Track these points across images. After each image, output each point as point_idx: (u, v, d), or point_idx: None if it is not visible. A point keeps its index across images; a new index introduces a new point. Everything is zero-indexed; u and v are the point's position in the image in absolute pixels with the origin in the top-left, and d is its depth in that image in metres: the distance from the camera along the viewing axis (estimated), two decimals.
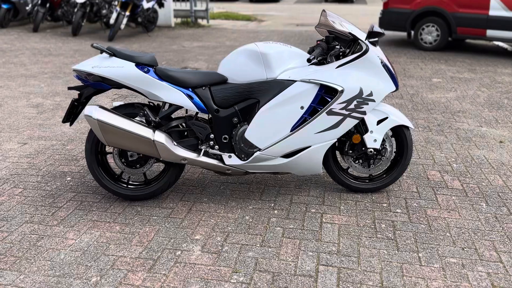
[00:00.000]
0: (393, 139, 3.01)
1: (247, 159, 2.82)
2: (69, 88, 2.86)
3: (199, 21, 12.91)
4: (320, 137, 2.78)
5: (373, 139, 2.90)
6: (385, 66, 2.81)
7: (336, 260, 2.37)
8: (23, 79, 6.43)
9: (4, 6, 11.22)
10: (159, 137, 2.69)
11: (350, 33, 2.75)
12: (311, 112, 2.77)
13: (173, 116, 3.42)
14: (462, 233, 2.61)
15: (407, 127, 2.99)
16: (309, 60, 2.61)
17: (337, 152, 3.28)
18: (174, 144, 2.75)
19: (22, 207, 2.91)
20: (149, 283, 2.19)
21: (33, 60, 7.78)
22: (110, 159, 3.51)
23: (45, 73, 6.78)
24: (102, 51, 2.77)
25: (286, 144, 2.77)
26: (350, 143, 2.96)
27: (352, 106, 2.74)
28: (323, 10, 2.95)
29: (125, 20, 9.91)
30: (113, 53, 2.77)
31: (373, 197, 3.03)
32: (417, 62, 7.70)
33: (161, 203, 2.95)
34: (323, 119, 2.74)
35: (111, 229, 2.66)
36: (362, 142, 2.94)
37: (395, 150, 3.09)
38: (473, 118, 4.75)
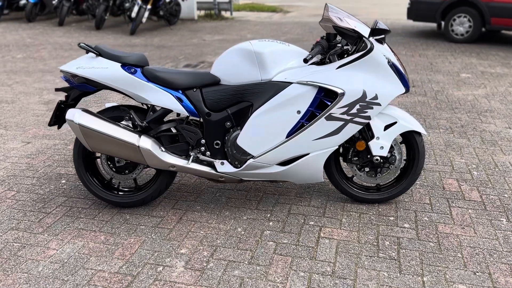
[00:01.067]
0: (403, 146, 2.74)
1: (240, 166, 2.62)
2: (56, 90, 2.73)
3: (223, 13, 12.72)
4: (319, 144, 2.54)
5: (379, 146, 2.64)
6: (393, 66, 2.54)
7: (329, 283, 2.14)
8: (39, 74, 6.43)
9: (31, 1, 11.35)
10: (145, 142, 2.52)
11: (353, 29, 2.49)
12: (309, 117, 2.53)
13: (166, 119, 3.24)
14: (475, 254, 2.34)
15: (418, 133, 2.71)
16: (305, 60, 2.37)
17: (341, 159, 3.04)
18: (162, 150, 2.58)
19: (11, 212, 2.82)
20: None
21: (53, 55, 7.80)
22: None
23: None
24: (87, 51, 2.62)
25: (281, 151, 2.55)
26: (354, 150, 2.72)
27: (354, 110, 2.49)
28: (326, 4, 2.69)
29: (146, 14, 9.84)
30: (99, 53, 2.62)
31: (380, 209, 2.77)
32: (446, 56, 7.25)
33: (151, 211, 2.80)
34: (322, 125, 2.50)
35: (96, 239, 2.53)
36: (368, 149, 2.69)
37: (405, 158, 2.82)
38: (502, 118, 4.38)
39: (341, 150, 2.78)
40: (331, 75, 2.47)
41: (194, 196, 2.98)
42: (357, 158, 2.73)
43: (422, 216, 2.69)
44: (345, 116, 2.50)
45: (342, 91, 2.45)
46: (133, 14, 9.82)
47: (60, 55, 7.76)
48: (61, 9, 11.10)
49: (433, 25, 10.41)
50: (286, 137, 2.54)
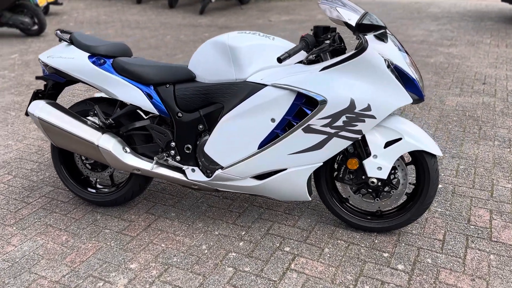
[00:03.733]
0: (413, 166, 2.23)
1: (210, 176, 2.31)
2: (37, 78, 2.61)
3: None
4: (297, 159, 2.13)
5: (376, 166, 2.15)
6: (395, 70, 2.02)
7: None
8: None
9: None
10: (105, 141, 2.30)
11: (346, 22, 2.01)
12: (285, 127, 2.12)
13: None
14: None
15: (432, 155, 2.17)
16: (279, 60, 1.95)
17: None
18: (126, 151, 2.35)
19: None
20: None
21: (118, 33, 7.96)
22: None
23: None
24: (60, 39, 2.44)
25: (253, 164, 2.18)
26: (347, 168, 2.26)
27: (339, 123, 2.03)
28: None
29: None
30: (71, 42, 2.43)
31: (376, 241, 2.30)
32: None
33: (123, 213, 2.60)
34: (299, 138, 2.08)
35: (57, 238, 2.40)
36: (363, 168, 2.22)
37: (413, 181, 2.30)
38: None
39: (336, 165, 2.34)
40: (312, 79, 2.02)
41: (175, 200, 2.73)
42: (351, 178, 2.27)
43: (425, 257, 2.17)
44: (327, 129, 2.05)
45: (322, 98, 2.00)
46: None
47: (124, 34, 7.89)
48: None
49: None
50: (258, 148, 2.16)
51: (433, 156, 2.18)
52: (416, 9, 9.73)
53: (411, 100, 2.04)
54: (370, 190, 2.27)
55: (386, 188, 2.25)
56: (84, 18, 9.44)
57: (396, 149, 2.13)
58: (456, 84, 4.73)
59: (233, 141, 2.17)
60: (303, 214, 2.54)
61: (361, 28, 1.93)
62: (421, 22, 8.30)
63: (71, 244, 2.36)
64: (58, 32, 2.45)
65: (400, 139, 2.13)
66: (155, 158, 2.33)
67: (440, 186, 2.79)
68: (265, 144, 2.14)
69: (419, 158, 2.19)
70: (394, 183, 2.24)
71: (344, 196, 2.35)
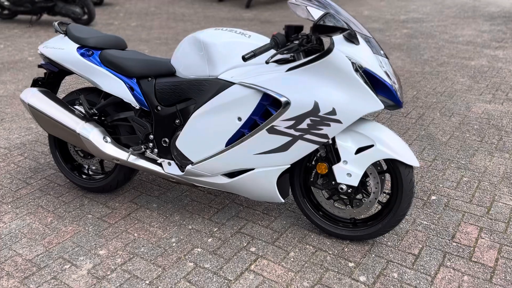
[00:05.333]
0: (388, 175, 2.12)
1: (183, 171, 2.33)
2: (39, 66, 2.75)
3: None
4: (262, 159, 2.09)
5: (346, 173, 2.07)
6: (366, 74, 1.92)
7: None
8: (135, 43, 6.79)
9: None
10: (86, 130, 2.39)
11: (314, 22, 1.93)
12: (251, 126, 2.09)
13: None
14: None
15: (408, 165, 2.05)
16: (243, 58, 1.92)
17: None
18: (106, 141, 2.42)
19: (4, 176, 3.00)
20: None
21: (162, 25, 8.19)
22: None
23: (159, 39, 7.04)
24: (56, 30, 2.56)
25: (221, 161, 2.17)
26: (318, 173, 2.19)
27: (303, 125, 1.97)
28: None
29: None
30: (65, 33, 2.53)
31: (346, 249, 2.22)
32: None
33: (109, 201, 2.69)
34: (263, 138, 2.04)
35: (44, 219, 2.53)
36: (333, 174, 2.14)
37: (388, 190, 2.18)
38: None
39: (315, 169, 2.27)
40: (277, 79, 1.97)
41: (161, 191, 2.78)
42: (322, 183, 2.20)
43: (392, 271, 2.06)
44: (291, 131, 1.99)
45: (286, 100, 1.95)
46: None
47: (167, 26, 8.11)
48: None
49: None
50: (226, 145, 2.15)
51: (408, 166, 2.06)
52: (472, 7, 9.17)
53: (382, 106, 1.93)
54: (342, 197, 2.19)
55: (358, 196, 2.16)
56: (134, 9, 9.79)
57: (367, 156, 2.03)
58: (490, 90, 4.42)
59: (202, 137, 2.18)
60: (281, 215, 2.50)
61: (319, 30, 1.85)
62: (474, 21, 7.82)
63: (54, 226, 2.48)
64: (55, 24, 2.56)
65: (372, 146, 2.03)
66: (130, 149, 2.39)
67: (434, 197, 2.63)
68: (232, 142, 2.13)
69: (394, 168, 2.08)
70: (367, 190, 2.14)
71: (318, 200, 2.28)
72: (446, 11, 8.88)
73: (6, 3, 8.06)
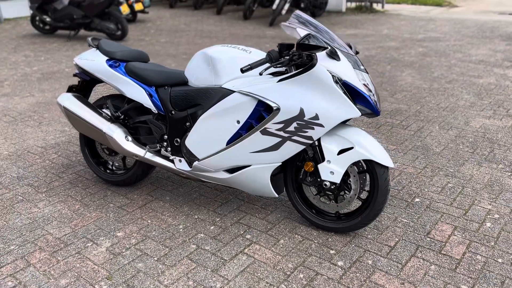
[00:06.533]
0: (367, 175, 2.42)
1: (191, 167, 2.69)
2: (74, 75, 3.19)
3: (374, 6, 12.13)
4: (257, 157, 2.43)
5: (329, 171, 2.38)
6: (345, 85, 2.24)
7: None
8: (163, 58, 7.28)
9: None
10: (110, 129, 2.79)
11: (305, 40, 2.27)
12: (248, 128, 2.44)
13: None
14: None
15: (384, 166, 2.35)
16: (241, 70, 2.27)
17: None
18: (128, 140, 2.81)
19: (40, 171, 3.44)
20: (39, 264, 2.37)
21: (189, 41, 8.69)
22: None
23: (186, 54, 7.52)
24: (89, 45, 2.99)
25: (222, 158, 2.52)
26: (306, 171, 2.51)
27: (291, 128, 2.30)
28: (295, 13, 2.49)
29: (287, 6, 10.08)
30: (96, 47, 2.96)
31: (330, 239, 2.51)
32: None
33: (129, 193, 3.08)
34: (257, 139, 2.38)
35: (72, 206, 2.93)
36: (318, 171, 2.45)
37: (367, 189, 2.47)
38: None
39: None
40: (270, 88, 2.32)
41: (174, 186, 3.15)
42: (310, 180, 2.52)
43: (368, 258, 2.35)
44: (281, 133, 2.33)
45: (276, 106, 2.29)
46: (274, 6, 10.17)
47: (194, 42, 8.60)
48: None
49: None
50: (226, 145, 2.50)
51: (384, 166, 2.35)
52: (490, 28, 9.32)
53: (358, 113, 2.25)
54: (328, 193, 2.49)
55: (342, 192, 2.46)
56: (165, 26, 10.37)
57: (348, 156, 2.34)
58: (492, 106, 4.63)
59: (206, 137, 2.54)
60: (276, 210, 2.82)
61: (302, 47, 2.19)
62: (490, 41, 7.98)
63: (80, 212, 2.87)
64: (89, 39, 3.00)
65: (352, 148, 2.34)
66: (147, 147, 2.78)
67: (417, 200, 2.90)
68: (231, 142, 2.48)
69: (371, 168, 2.37)
70: (349, 188, 2.44)
71: (307, 195, 2.60)
72: (464, 30, 9.06)
73: (48, 19, 8.76)
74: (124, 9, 9.05)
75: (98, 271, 2.31)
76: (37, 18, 9.05)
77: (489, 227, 2.60)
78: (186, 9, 13.44)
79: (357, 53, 2.58)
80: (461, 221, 2.66)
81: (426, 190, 3.02)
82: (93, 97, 5.23)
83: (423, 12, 11.80)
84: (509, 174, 3.21)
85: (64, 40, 8.72)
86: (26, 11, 11.69)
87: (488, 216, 2.70)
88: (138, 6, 10.37)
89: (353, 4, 12.43)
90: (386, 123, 4.25)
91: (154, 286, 2.19)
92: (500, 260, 2.31)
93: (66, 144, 3.94)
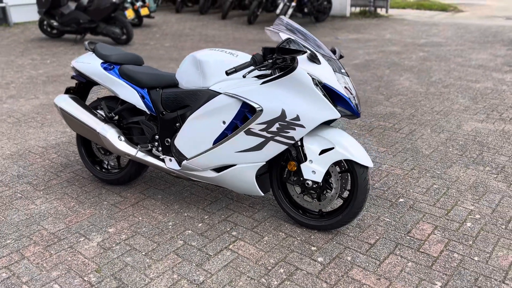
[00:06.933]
0: (348, 175, 2.50)
1: (181, 166, 2.79)
2: (72, 78, 3.31)
3: (378, 10, 12.19)
4: (242, 156, 2.53)
5: (311, 170, 2.46)
6: (325, 88, 2.33)
7: None
8: (166, 62, 7.42)
9: None
10: (103, 129, 2.90)
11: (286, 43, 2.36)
12: (233, 129, 2.53)
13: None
14: None
15: (363, 166, 2.43)
16: (226, 73, 2.37)
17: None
18: (120, 140, 2.92)
19: (39, 169, 3.57)
20: (33, 257, 2.48)
21: (193, 45, 8.83)
22: None
23: None
24: (86, 48, 3.11)
25: (209, 157, 2.62)
26: (289, 170, 2.59)
27: (274, 129, 2.39)
28: (279, 18, 2.59)
29: (290, 11, 10.19)
30: (92, 50, 3.08)
31: (313, 236, 2.59)
32: None
33: (123, 191, 3.18)
34: (242, 138, 2.48)
35: (67, 204, 3.05)
36: (300, 171, 2.54)
37: (348, 188, 2.55)
38: None
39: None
40: (253, 90, 2.41)
41: (167, 185, 3.25)
42: (294, 179, 2.60)
43: (347, 255, 2.42)
44: (264, 133, 2.42)
45: (260, 107, 2.38)
46: (278, 11, 10.30)
47: (197, 47, 8.73)
48: (224, 4, 12.28)
49: None
50: (213, 144, 2.60)
51: (363, 166, 2.43)
52: (493, 33, 9.34)
53: (338, 115, 2.33)
54: (311, 192, 2.58)
55: (324, 191, 2.54)
56: (170, 31, 10.53)
57: (329, 156, 2.42)
58: (486, 110, 4.68)
59: (194, 137, 2.64)
60: (263, 208, 2.91)
61: (281, 51, 2.29)
62: (491, 46, 8.01)
63: (75, 209, 2.98)
64: (86, 43, 3.12)
65: (333, 148, 2.42)
66: (138, 146, 2.88)
67: (401, 200, 2.97)
68: (218, 141, 2.58)
69: (351, 167, 2.45)
70: (331, 187, 2.53)
71: (291, 194, 2.68)
72: (467, 35, 9.09)
73: (55, 23, 8.96)
74: (129, 13, 9.23)
75: (88, 264, 2.42)
76: (45, 22, 9.26)
77: (469, 226, 2.66)
78: (192, 14, 13.61)
79: (341, 57, 2.67)
80: (442, 220, 2.73)
81: (411, 191, 3.08)
82: (95, 99, 5.36)
83: (428, 17, 11.84)
84: (495, 176, 3.27)
85: (71, 44, 8.90)
86: (35, 16, 11.94)
87: (469, 217, 2.76)
88: (144, 11, 10.54)
89: (358, 9, 12.51)
90: (379, 126, 4.32)
91: (140, 279, 2.29)
92: (476, 258, 2.38)
93: (66, 144, 4.07)
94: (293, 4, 10.12)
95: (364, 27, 10.58)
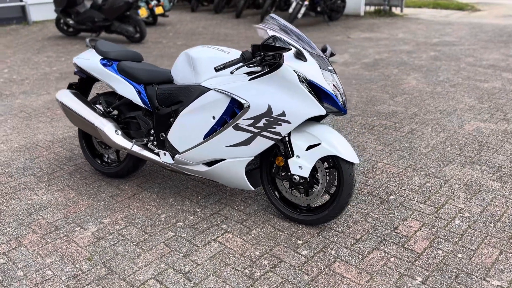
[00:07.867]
0: (335, 171, 2.53)
1: (174, 160, 2.87)
2: (75, 73, 3.43)
3: (393, 9, 12.10)
4: (231, 151, 2.59)
5: (298, 165, 2.51)
6: (311, 85, 2.37)
7: (174, 281, 2.27)
8: (174, 60, 7.53)
9: None
10: (101, 123, 3.00)
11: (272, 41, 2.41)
12: (222, 124, 2.59)
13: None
14: None
15: (349, 162, 2.46)
16: (215, 69, 2.43)
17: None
18: (117, 134, 3.01)
19: (44, 162, 3.70)
20: (30, 245, 2.59)
21: (204, 44, 8.93)
22: None
23: None
24: (87, 45, 3.22)
25: (200, 151, 2.69)
26: (278, 165, 2.64)
27: (260, 124, 2.44)
28: (269, 16, 2.64)
29: (303, 10, 10.20)
30: (93, 47, 3.18)
31: (300, 231, 2.64)
32: None
33: (122, 184, 3.28)
34: (230, 133, 2.54)
35: (68, 195, 3.16)
36: (288, 166, 2.59)
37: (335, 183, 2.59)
38: None
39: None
40: (241, 87, 2.47)
41: (164, 179, 3.34)
42: (282, 174, 2.65)
43: (331, 249, 2.46)
44: (252, 129, 2.47)
45: (247, 103, 2.44)
46: (290, 10, 10.31)
47: (208, 45, 8.83)
48: (238, 2, 12.36)
49: None
50: (203, 139, 2.66)
51: (349, 163, 2.47)
52: (508, 32, 9.19)
53: (323, 111, 2.37)
54: (299, 187, 2.62)
55: (312, 186, 2.59)
56: (183, 30, 10.66)
57: (315, 152, 2.47)
58: (490, 110, 4.64)
59: (186, 131, 2.71)
60: (254, 203, 2.97)
61: (266, 48, 2.33)
62: (505, 46, 7.89)
63: (74, 200, 3.09)
64: (87, 40, 3.22)
65: (319, 144, 2.46)
66: (134, 140, 2.97)
67: (392, 197, 2.99)
68: (208, 136, 2.64)
69: (338, 163, 2.49)
70: (318, 182, 2.57)
71: (279, 189, 2.73)
72: (480, 35, 8.97)
73: (71, 22, 9.17)
74: (142, 12, 9.38)
75: (81, 252, 2.52)
76: (61, 21, 9.49)
77: (457, 224, 2.67)
78: (207, 12, 13.73)
79: (332, 55, 2.70)
80: (430, 218, 2.74)
81: (403, 188, 3.10)
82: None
83: (443, 16, 11.70)
84: (490, 175, 3.25)
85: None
86: (53, 14, 12.23)
87: (459, 215, 2.77)
88: (158, 10, 10.69)
89: (372, 8, 12.43)
90: (380, 125, 4.33)
91: (128, 267, 2.38)
92: (460, 255, 2.39)
93: (72, 138, 4.20)
94: (306, 3, 10.13)
95: (377, 26, 10.53)
